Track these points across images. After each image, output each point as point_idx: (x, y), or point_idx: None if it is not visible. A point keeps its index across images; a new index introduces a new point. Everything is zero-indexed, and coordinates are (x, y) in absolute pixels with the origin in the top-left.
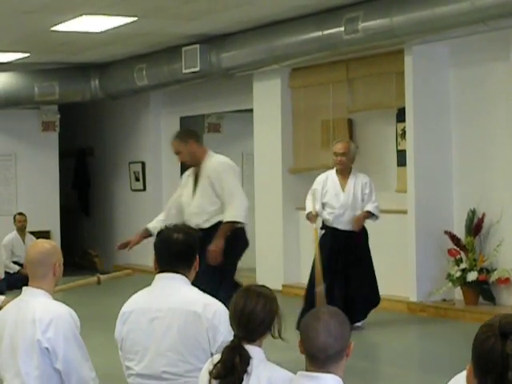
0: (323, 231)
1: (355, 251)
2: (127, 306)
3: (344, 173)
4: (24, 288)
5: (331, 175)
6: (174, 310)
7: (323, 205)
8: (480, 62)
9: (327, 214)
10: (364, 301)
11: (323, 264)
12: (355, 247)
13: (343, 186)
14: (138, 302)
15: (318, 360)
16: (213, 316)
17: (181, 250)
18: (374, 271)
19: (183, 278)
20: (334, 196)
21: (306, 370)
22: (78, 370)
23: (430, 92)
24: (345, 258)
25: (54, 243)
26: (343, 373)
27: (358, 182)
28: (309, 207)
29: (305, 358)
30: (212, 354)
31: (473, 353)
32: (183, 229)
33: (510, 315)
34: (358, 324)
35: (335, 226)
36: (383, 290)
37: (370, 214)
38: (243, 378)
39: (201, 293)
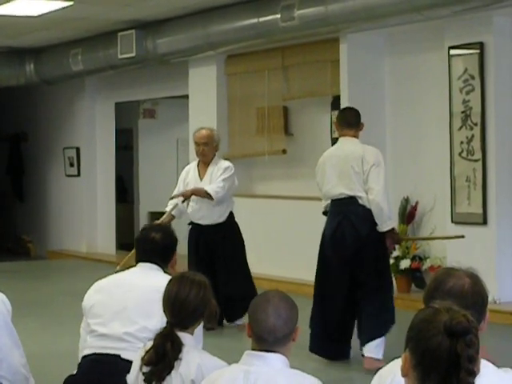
0: (190, 226)
1: (222, 245)
2: (104, 280)
3: (206, 163)
4: None
5: (193, 166)
6: (150, 287)
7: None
8: (415, 51)
9: (190, 208)
10: (241, 297)
11: (190, 260)
12: (221, 241)
13: (202, 177)
14: (118, 279)
15: (266, 342)
16: None
17: (157, 249)
18: (245, 265)
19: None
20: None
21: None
22: (9, 356)
23: (365, 80)
24: (211, 254)
25: None
26: (289, 355)
27: (216, 169)
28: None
29: (251, 340)
30: None
31: (415, 347)
32: (162, 229)
33: (453, 311)
34: (239, 322)
35: (196, 221)
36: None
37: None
38: (174, 365)
39: None
